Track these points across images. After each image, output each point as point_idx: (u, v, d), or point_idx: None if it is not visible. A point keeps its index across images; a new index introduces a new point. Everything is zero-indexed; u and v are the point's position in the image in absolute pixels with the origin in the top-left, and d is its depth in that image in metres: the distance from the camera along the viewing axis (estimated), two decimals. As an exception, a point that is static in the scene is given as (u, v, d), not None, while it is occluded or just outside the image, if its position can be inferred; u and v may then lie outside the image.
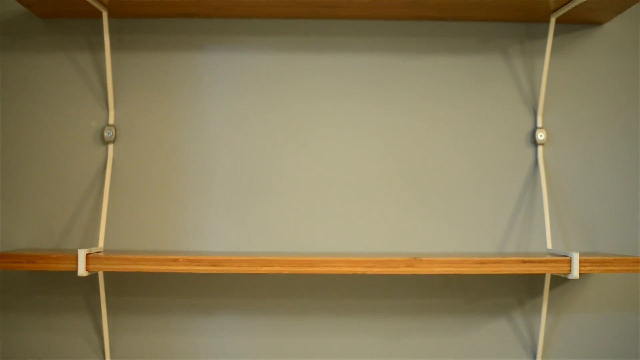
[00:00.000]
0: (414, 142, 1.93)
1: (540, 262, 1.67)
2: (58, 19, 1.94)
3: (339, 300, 1.93)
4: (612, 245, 1.94)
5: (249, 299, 1.92)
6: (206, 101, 1.93)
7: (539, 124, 1.93)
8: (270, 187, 1.92)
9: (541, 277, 1.93)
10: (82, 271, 1.65)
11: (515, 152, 1.94)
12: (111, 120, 1.91)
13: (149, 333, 1.92)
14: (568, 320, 1.94)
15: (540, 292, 1.93)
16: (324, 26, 1.95)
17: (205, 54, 1.94)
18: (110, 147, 1.91)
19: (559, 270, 1.68)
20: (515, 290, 1.94)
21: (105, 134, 1.90)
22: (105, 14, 1.85)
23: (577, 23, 1.95)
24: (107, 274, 1.91)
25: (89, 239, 1.91)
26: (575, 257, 1.66)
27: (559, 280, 1.93)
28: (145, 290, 1.92)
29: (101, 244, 1.87)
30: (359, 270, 1.65)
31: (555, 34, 1.95)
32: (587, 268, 1.67)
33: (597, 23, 1.96)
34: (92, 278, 1.91)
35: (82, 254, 1.65)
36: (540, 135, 1.92)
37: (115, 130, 1.91)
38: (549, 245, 1.90)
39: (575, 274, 1.67)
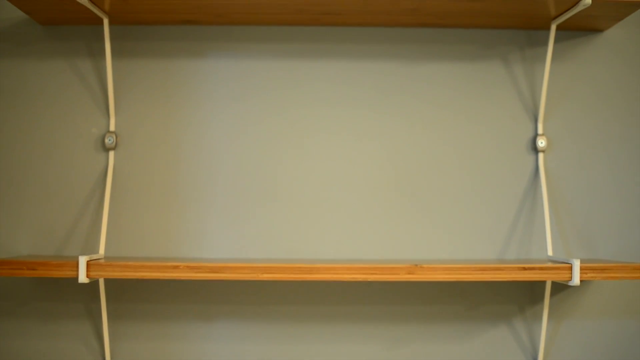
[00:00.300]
0: (415, 149, 1.94)
1: (541, 269, 1.68)
2: (59, 25, 1.94)
3: (339, 307, 1.93)
4: (612, 252, 1.94)
5: (250, 306, 1.92)
6: (206, 108, 1.93)
7: (540, 131, 1.93)
8: (271, 194, 1.92)
9: (542, 284, 1.93)
10: (82, 278, 1.65)
11: (516, 159, 1.94)
12: (112, 127, 1.91)
13: (149, 340, 1.92)
14: (569, 327, 1.94)
15: (540, 299, 1.93)
16: (324, 33, 1.95)
17: (205, 61, 1.94)
18: (111, 153, 1.91)
19: (559, 277, 1.68)
20: (516, 297, 1.94)
21: (106, 140, 1.90)
22: (106, 21, 1.86)
23: (577, 30, 1.96)
24: (107, 281, 1.91)
25: (90, 246, 1.91)
26: (576, 264, 1.67)
27: (559, 287, 1.93)
28: (145, 297, 1.92)
29: (102, 250, 1.87)
30: (360, 277, 1.65)
31: (556, 41, 1.95)
32: (588, 275, 1.67)
33: (598, 30, 1.96)
34: (93, 285, 1.91)
35: (82, 260, 1.65)
36: (541, 142, 1.92)
37: (116, 137, 1.91)
38: (550, 252, 1.90)
39: (576, 280, 1.67)
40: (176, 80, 1.93)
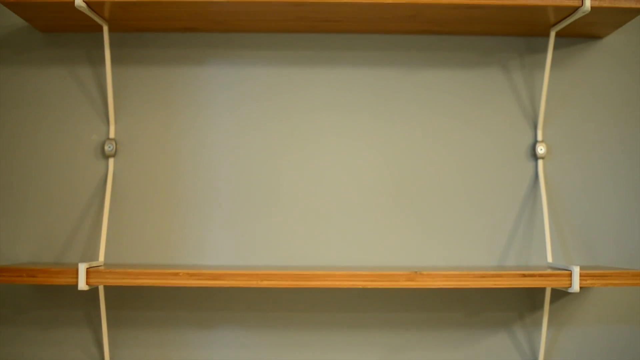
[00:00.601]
0: (414, 156, 1.94)
1: (541, 275, 1.68)
2: (59, 32, 1.94)
3: (339, 314, 1.93)
4: (612, 258, 1.94)
5: (250, 313, 1.92)
6: (206, 115, 1.93)
7: (539, 137, 1.93)
8: (270, 201, 1.93)
9: (541, 290, 1.93)
10: (82, 285, 1.65)
11: (516, 166, 1.94)
12: (112, 134, 1.91)
13: (149, 347, 1.92)
14: (568, 334, 1.94)
15: (540, 306, 1.93)
16: (324, 40, 1.95)
17: (205, 68, 1.94)
18: (111, 161, 1.91)
19: (559, 284, 1.68)
20: (515, 304, 1.94)
21: (106, 147, 1.90)
22: (105, 28, 1.86)
23: (576, 37, 1.96)
24: (107, 288, 1.91)
25: (90, 253, 1.91)
26: (576, 271, 1.67)
27: (559, 294, 1.93)
28: (145, 304, 1.92)
29: (102, 257, 1.87)
30: (359, 284, 1.65)
31: (555, 47, 1.95)
32: (588, 282, 1.67)
33: (597, 37, 1.96)
34: (93, 292, 1.91)
35: (82, 268, 1.65)
36: (541, 149, 1.92)
37: (116, 144, 1.91)
38: (550, 259, 1.90)
39: (575, 287, 1.67)
40: (176, 88, 1.94)
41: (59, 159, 1.92)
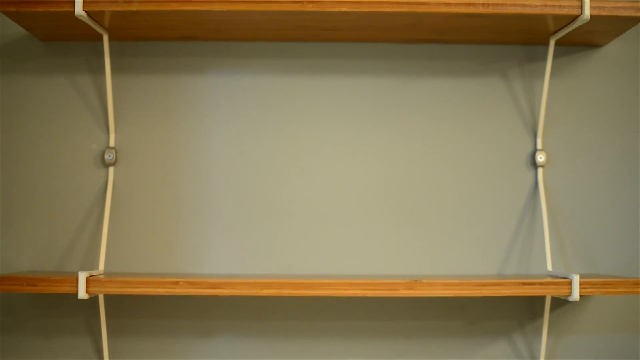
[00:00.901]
0: (414, 165, 1.94)
1: (541, 284, 1.68)
2: (59, 41, 1.94)
3: (339, 323, 1.93)
4: (612, 267, 1.94)
5: (250, 322, 1.92)
6: (206, 123, 1.93)
7: (539, 146, 1.93)
8: (270, 209, 1.93)
9: (541, 299, 1.93)
10: (82, 294, 1.65)
11: (515, 174, 1.94)
12: (112, 143, 1.91)
13: (149, 355, 1.92)
14: (569, 342, 1.94)
15: (540, 314, 1.93)
16: (324, 49, 1.95)
17: (205, 77, 1.94)
18: (111, 169, 1.91)
19: (559, 292, 1.68)
20: (515, 312, 1.94)
21: (106, 156, 1.91)
22: (106, 37, 1.86)
23: (576, 45, 1.96)
24: (107, 297, 1.91)
25: (90, 262, 1.92)
26: (576, 279, 1.67)
27: (559, 302, 1.93)
28: (145, 313, 1.92)
29: (101, 266, 1.87)
30: (359, 292, 1.65)
31: (555, 56, 1.95)
32: (588, 290, 1.67)
33: (597, 45, 1.96)
34: (93, 301, 1.91)
35: (82, 276, 1.65)
36: (540, 158, 1.93)
37: (116, 153, 1.92)
38: (549, 267, 1.90)
39: (575, 295, 1.67)
40: (176, 96, 1.94)
41: (59, 168, 1.92)
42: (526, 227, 1.93)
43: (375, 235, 1.93)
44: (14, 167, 1.92)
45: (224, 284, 1.65)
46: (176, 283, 1.65)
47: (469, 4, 1.68)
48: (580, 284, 1.67)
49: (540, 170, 1.93)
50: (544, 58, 1.96)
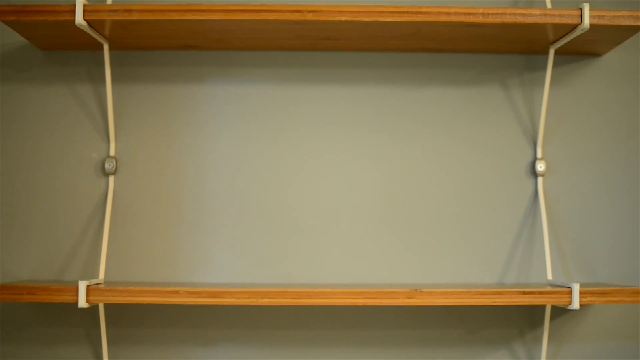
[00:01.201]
0: (414, 174, 1.94)
1: (541, 293, 1.68)
2: (59, 50, 1.95)
3: (339, 332, 1.93)
4: (612, 276, 1.94)
5: (250, 330, 1.92)
6: (206, 133, 1.93)
7: (539, 155, 1.93)
8: (270, 218, 1.93)
9: (542, 307, 1.93)
10: (82, 303, 1.65)
11: (515, 183, 1.94)
12: (112, 152, 1.92)
13: (149, 365, 1.92)
14: (569, 351, 1.94)
15: (540, 323, 1.93)
16: (324, 58, 1.95)
17: (205, 86, 1.94)
18: (111, 178, 1.92)
19: (559, 301, 1.68)
20: (515, 321, 1.94)
21: (106, 165, 1.91)
22: (106, 46, 1.86)
23: (575, 54, 1.96)
24: (107, 306, 1.91)
25: (90, 271, 1.91)
26: (576, 288, 1.67)
27: (559, 311, 1.93)
28: (145, 322, 1.92)
29: (102, 275, 1.87)
30: (359, 302, 1.65)
31: (555, 65, 1.96)
32: (588, 299, 1.67)
33: (596, 54, 1.97)
34: (93, 310, 1.91)
35: (82, 285, 1.65)
36: (540, 166, 1.93)
37: (116, 162, 1.92)
38: (549, 276, 1.90)
39: (575, 304, 1.67)
40: (176, 105, 1.94)
41: (59, 177, 1.92)
42: (526, 236, 1.93)
43: (376, 244, 1.93)
44: (14, 176, 1.92)
45: (224, 293, 1.65)
46: (176, 292, 1.65)
47: (469, 13, 1.69)
48: (581, 292, 1.67)
49: (540, 179, 1.93)
50: (543, 67, 1.96)
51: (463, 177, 1.94)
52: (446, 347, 1.93)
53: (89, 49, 1.93)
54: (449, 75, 1.96)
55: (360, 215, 1.93)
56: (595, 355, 1.94)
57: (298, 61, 1.96)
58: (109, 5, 1.68)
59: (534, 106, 1.96)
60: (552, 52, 1.88)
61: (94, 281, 1.73)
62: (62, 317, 1.92)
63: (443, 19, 1.69)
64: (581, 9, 1.69)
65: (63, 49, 1.94)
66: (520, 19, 1.69)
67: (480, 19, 1.69)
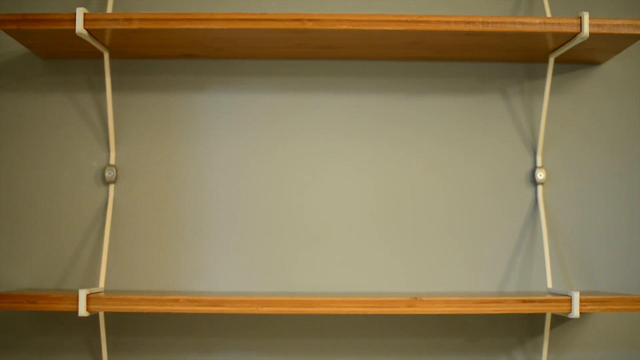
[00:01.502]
0: (414, 182, 1.94)
1: (541, 301, 1.68)
2: (59, 59, 1.95)
3: (339, 340, 1.93)
4: (612, 284, 1.94)
5: (250, 339, 1.92)
6: (207, 141, 1.94)
7: (539, 163, 1.93)
8: (270, 227, 1.93)
9: (542, 316, 1.93)
10: (82, 311, 1.65)
11: (515, 192, 1.94)
12: (112, 161, 1.92)
13: (149, 373, 1.92)
14: (569, 359, 1.94)
15: (541, 332, 1.93)
16: (324, 67, 1.96)
17: (205, 95, 1.95)
18: (111, 187, 1.92)
19: (559, 309, 1.68)
20: (516, 330, 1.94)
21: (106, 174, 1.91)
22: (106, 55, 1.87)
23: (575, 63, 1.96)
24: (107, 314, 1.90)
25: (90, 279, 1.91)
26: (576, 297, 1.67)
27: (559, 320, 1.93)
28: (145, 331, 1.92)
29: (102, 284, 1.87)
30: (359, 310, 1.65)
31: (554, 73, 1.96)
32: (588, 307, 1.67)
33: (596, 63, 1.97)
34: (93, 318, 1.91)
35: (82, 294, 1.65)
36: (540, 175, 1.93)
37: (116, 171, 1.92)
38: (549, 285, 1.90)
39: (575, 313, 1.67)
40: (176, 114, 1.94)
41: (59, 186, 1.93)
42: (526, 245, 1.93)
43: (375, 253, 1.93)
44: (14, 185, 1.92)
45: (224, 302, 1.65)
46: (176, 300, 1.65)
47: (469, 22, 1.69)
48: (581, 301, 1.67)
49: (540, 188, 1.93)
50: (543, 75, 1.96)
51: (463, 186, 1.94)
52: (446, 355, 1.93)
53: (90, 57, 1.93)
54: (449, 83, 1.96)
55: (360, 223, 1.93)
56: (596, 364, 1.95)
57: (298, 70, 1.96)
58: (109, 14, 1.68)
59: (534, 115, 1.96)
60: (551, 60, 1.88)
61: (94, 290, 1.73)
62: (62, 326, 1.92)
63: (443, 27, 1.69)
64: (581, 17, 1.70)
65: (63, 58, 1.94)
66: (520, 28, 1.69)
67: (480, 28, 1.69)
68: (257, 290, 1.92)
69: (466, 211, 1.94)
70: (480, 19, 1.69)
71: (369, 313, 1.66)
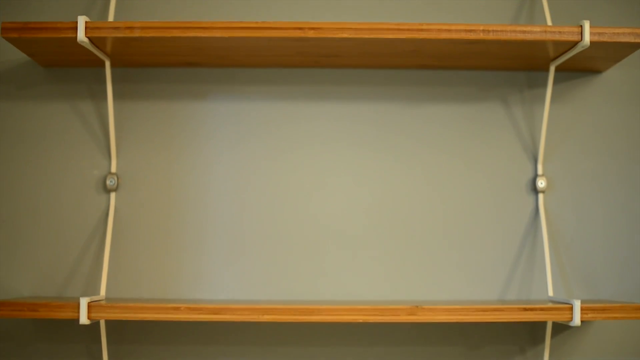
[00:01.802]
0: (415, 190, 1.94)
1: (542, 309, 1.68)
2: (61, 67, 1.95)
3: (341, 348, 1.92)
4: (613, 292, 1.94)
5: (250, 347, 1.92)
6: (207, 150, 1.94)
7: (540, 171, 1.94)
8: (271, 235, 1.93)
9: (543, 324, 1.93)
10: (83, 319, 1.65)
11: (516, 200, 1.94)
12: (113, 169, 1.92)
13: (150, 381, 1.92)
14: (570, 368, 1.94)
15: (541, 340, 1.93)
16: (325, 75, 1.96)
17: (206, 103, 1.95)
18: (112, 195, 1.92)
19: (560, 317, 1.68)
20: (517, 338, 1.93)
21: (108, 182, 1.91)
22: (107, 63, 1.87)
23: (576, 71, 1.97)
24: (108, 322, 1.90)
25: (91, 287, 1.91)
26: (577, 305, 1.67)
27: (560, 328, 1.93)
28: (146, 338, 1.92)
29: (103, 292, 1.87)
30: (360, 318, 1.65)
31: (555, 82, 1.96)
32: (589, 315, 1.67)
33: (596, 71, 1.97)
34: (94, 326, 1.91)
35: (84, 302, 1.65)
36: (541, 183, 1.93)
37: (118, 179, 1.92)
38: (550, 293, 1.90)
39: (576, 321, 1.67)
40: (177, 122, 1.94)
41: (60, 194, 1.93)
42: (527, 253, 1.93)
43: (376, 261, 1.93)
44: (15, 193, 1.93)
45: (225, 310, 1.65)
46: (177, 309, 1.65)
47: (470, 30, 1.69)
48: (582, 309, 1.67)
49: (540, 196, 1.93)
50: (544, 84, 1.96)
51: (464, 194, 1.94)
52: (447, 363, 1.94)
53: (91, 66, 1.93)
54: (449, 92, 1.96)
55: (361, 232, 1.93)
56: (597, 372, 1.94)
57: (299, 78, 1.96)
58: (110, 22, 1.68)
59: (535, 123, 1.96)
60: (552, 69, 1.88)
61: (95, 298, 1.73)
62: (63, 334, 1.92)
63: (444, 36, 1.69)
64: (581, 26, 1.70)
65: (65, 66, 1.94)
66: (520, 36, 1.70)
67: (481, 36, 1.69)
68: (258, 299, 1.92)
69: (467, 219, 1.94)
70: (481, 28, 1.69)
71: (370, 321, 1.66)
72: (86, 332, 1.92)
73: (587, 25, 1.70)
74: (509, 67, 1.94)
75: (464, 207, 1.94)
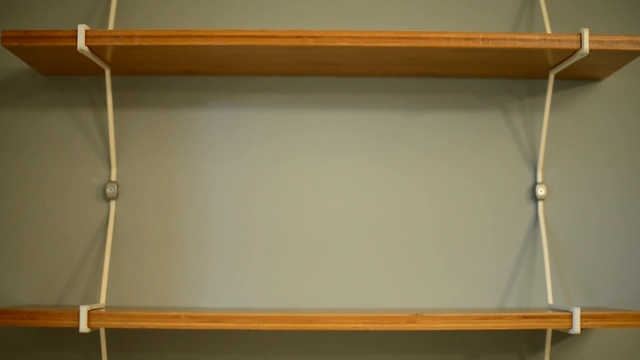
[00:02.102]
0: (414, 198, 1.94)
1: (542, 317, 1.68)
2: (61, 76, 1.95)
3: (340, 357, 1.92)
4: (612, 300, 1.94)
5: (251, 355, 1.92)
6: (207, 158, 1.94)
7: (539, 179, 1.94)
8: (271, 243, 1.93)
9: (542, 332, 1.93)
10: (83, 328, 1.65)
11: (516, 208, 1.94)
12: (113, 177, 1.92)
13: (150, 390, 1.92)
14: (570, 376, 1.94)
15: (541, 347, 1.93)
16: (324, 83, 1.96)
17: (206, 111, 1.95)
18: (112, 203, 1.92)
19: (560, 325, 1.68)
20: (516, 346, 1.93)
21: (108, 190, 1.91)
22: (107, 72, 1.87)
23: (575, 79, 1.97)
24: (108, 331, 1.90)
25: (91, 296, 1.91)
26: (577, 312, 1.67)
27: (560, 335, 1.93)
28: (146, 347, 1.92)
29: (103, 300, 1.87)
30: (360, 326, 1.65)
31: (555, 90, 1.96)
32: (589, 323, 1.67)
33: (596, 79, 1.97)
34: (94, 334, 1.91)
35: (83, 310, 1.65)
36: (541, 191, 1.93)
37: (117, 187, 1.92)
38: (550, 301, 1.90)
39: (576, 329, 1.67)
40: (177, 130, 1.94)
41: (60, 202, 1.93)
42: (527, 261, 1.93)
43: (377, 269, 1.93)
44: (15, 201, 1.93)
45: (225, 318, 1.65)
46: (177, 317, 1.65)
47: (469, 39, 1.69)
48: (581, 317, 1.67)
49: (540, 204, 1.93)
50: (543, 92, 1.96)
51: (463, 202, 1.94)
52: (447, 371, 1.94)
53: (91, 74, 1.93)
54: (449, 100, 1.96)
55: (361, 240, 1.93)
56: (597, 380, 1.94)
57: (299, 86, 1.96)
58: (110, 30, 1.69)
59: (534, 131, 1.96)
60: (552, 76, 1.89)
61: (95, 306, 1.73)
62: (63, 342, 1.92)
63: (443, 44, 1.69)
64: (581, 34, 1.70)
65: (65, 75, 1.95)
66: (520, 44, 1.70)
67: (481, 44, 1.69)
68: (259, 307, 1.91)
69: (467, 227, 1.94)
70: (481, 36, 1.69)
71: (370, 329, 1.66)
72: (86, 340, 1.92)
73: (586, 33, 1.70)
74: (509, 75, 1.94)
75: (464, 215, 1.94)
